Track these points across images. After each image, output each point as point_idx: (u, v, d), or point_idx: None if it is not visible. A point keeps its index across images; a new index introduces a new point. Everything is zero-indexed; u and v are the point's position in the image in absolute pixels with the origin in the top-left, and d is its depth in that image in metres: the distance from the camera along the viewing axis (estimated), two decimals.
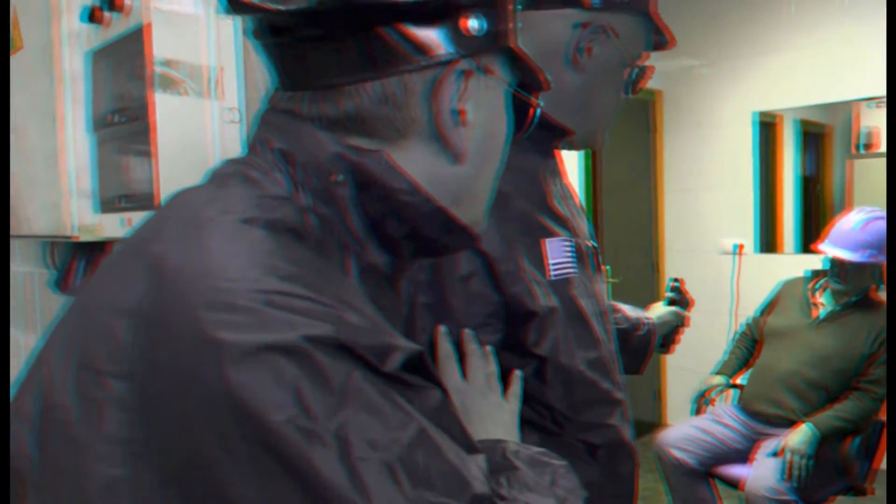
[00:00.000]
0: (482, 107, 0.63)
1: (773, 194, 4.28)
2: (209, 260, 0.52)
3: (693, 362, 3.11)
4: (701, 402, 2.93)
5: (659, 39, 1.02)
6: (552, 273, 0.93)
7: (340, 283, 0.57)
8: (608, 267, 1.07)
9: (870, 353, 2.66)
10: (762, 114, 4.14)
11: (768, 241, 4.25)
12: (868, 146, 4.02)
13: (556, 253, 0.94)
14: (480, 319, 0.87)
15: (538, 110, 0.70)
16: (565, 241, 0.96)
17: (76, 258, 1.76)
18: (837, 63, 3.78)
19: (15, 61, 1.54)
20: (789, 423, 2.66)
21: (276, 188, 0.59)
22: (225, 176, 0.62)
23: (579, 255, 0.98)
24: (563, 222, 0.98)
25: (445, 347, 0.84)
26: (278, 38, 0.60)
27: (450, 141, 0.62)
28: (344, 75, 0.58)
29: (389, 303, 0.65)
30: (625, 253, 4.35)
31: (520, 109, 0.69)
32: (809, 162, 4.32)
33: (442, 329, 0.85)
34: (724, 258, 4.24)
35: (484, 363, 0.85)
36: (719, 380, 2.94)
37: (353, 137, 0.60)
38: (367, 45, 0.57)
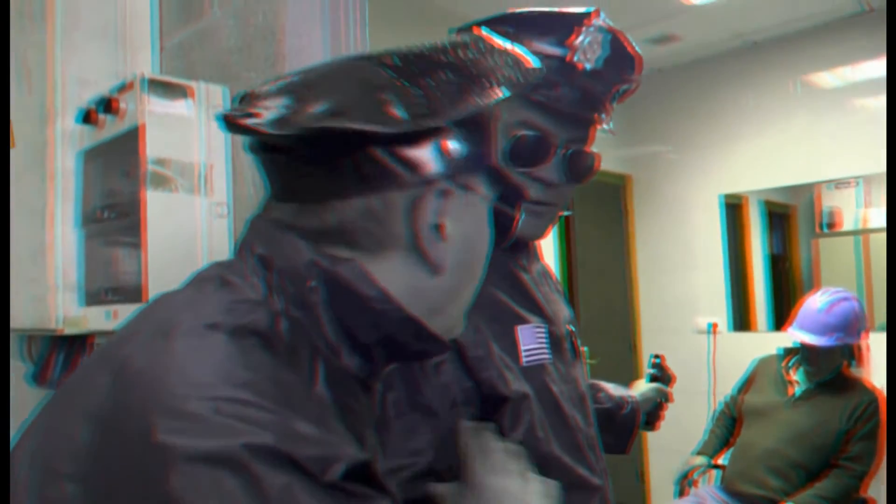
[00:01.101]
0: (462, 221, 0.65)
1: (743, 273, 4.37)
2: (170, 364, 0.53)
3: (675, 442, 3.11)
4: (684, 483, 2.91)
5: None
6: (525, 359, 0.93)
7: (297, 391, 0.57)
8: (586, 348, 1.08)
9: (846, 429, 2.66)
10: (728, 196, 4.29)
11: (741, 320, 4.31)
12: (831, 225, 4.16)
13: (529, 339, 0.94)
14: (455, 405, 0.87)
15: (520, 220, 0.72)
16: (538, 327, 0.96)
17: (55, 351, 1.75)
18: (796, 149, 3.96)
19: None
20: None
21: (252, 292, 0.60)
22: (204, 280, 0.64)
23: (554, 340, 0.98)
24: (537, 309, 0.98)
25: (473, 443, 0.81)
26: (270, 154, 0.64)
27: (429, 254, 0.63)
28: (328, 192, 0.61)
29: (361, 406, 0.65)
30: (602, 334, 4.38)
31: (501, 219, 0.71)
32: (776, 241, 4.44)
33: (465, 424, 0.83)
34: (699, 337, 4.29)
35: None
36: (701, 460, 2.93)
37: (335, 248, 0.62)
38: (350, 166, 0.60)
